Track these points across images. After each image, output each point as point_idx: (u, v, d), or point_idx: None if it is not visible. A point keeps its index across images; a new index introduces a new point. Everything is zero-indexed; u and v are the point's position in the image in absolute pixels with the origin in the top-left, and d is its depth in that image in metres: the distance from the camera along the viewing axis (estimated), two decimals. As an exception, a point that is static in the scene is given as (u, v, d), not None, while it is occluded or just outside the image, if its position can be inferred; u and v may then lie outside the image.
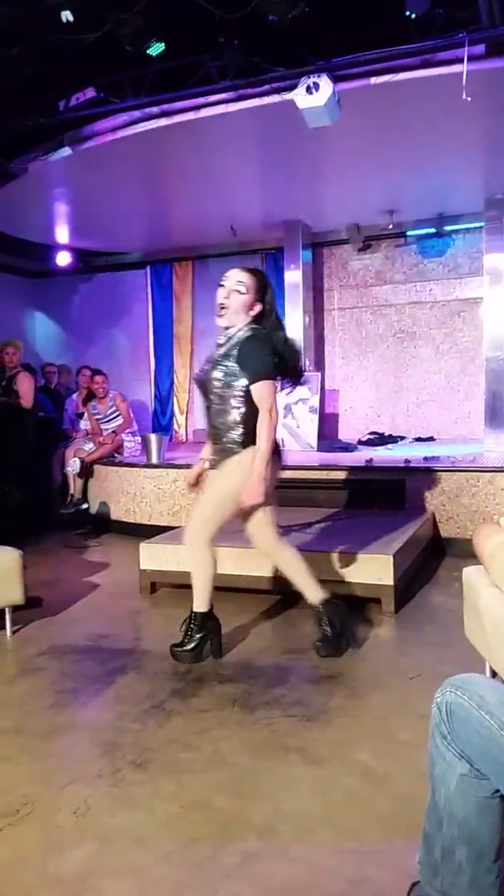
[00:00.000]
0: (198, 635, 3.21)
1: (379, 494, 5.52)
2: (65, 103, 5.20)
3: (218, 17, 4.43)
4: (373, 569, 3.90)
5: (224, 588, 4.26)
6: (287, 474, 5.96)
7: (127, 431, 7.13)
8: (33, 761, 2.42)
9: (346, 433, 8.45)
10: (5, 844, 1.95)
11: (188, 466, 6.19)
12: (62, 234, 8.73)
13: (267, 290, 3.16)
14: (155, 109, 5.20)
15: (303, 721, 2.64)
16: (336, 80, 4.70)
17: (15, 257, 9.41)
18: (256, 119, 5.22)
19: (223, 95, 5.03)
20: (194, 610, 3.22)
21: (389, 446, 7.44)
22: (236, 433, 3.11)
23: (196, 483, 3.42)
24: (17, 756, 2.46)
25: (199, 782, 2.24)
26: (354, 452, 7.06)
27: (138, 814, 2.09)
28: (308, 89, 4.67)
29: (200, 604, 3.21)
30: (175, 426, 9.47)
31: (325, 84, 4.66)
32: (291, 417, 7.73)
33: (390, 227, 7.94)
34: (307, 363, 8.27)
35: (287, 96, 4.81)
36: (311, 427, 7.61)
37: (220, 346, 3.15)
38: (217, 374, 3.10)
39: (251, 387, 3.04)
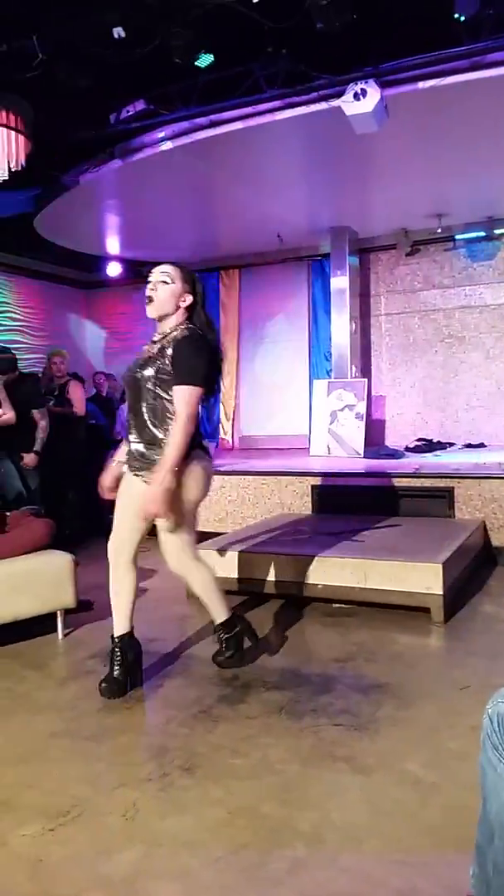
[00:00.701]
0: (233, 641, 3.22)
1: (427, 502, 5.45)
2: (115, 116, 5.32)
3: (265, 27, 4.47)
4: (421, 577, 3.85)
5: (272, 595, 4.29)
6: (334, 481, 5.95)
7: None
8: (83, 763, 2.46)
9: (393, 440, 8.37)
10: (57, 844, 1.99)
11: (234, 473, 6.26)
12: (112, 244, 8.89)
13: (196, 283, 3.05)
14: (203, 120, 5.27)
15: (350, 730, 2.62)
16: (383, 85, 4.69)
17: (67, 268, 9.61)
18: (304, 126, 5.24)
19: (271, 104, 5.07)
20: (217, 621, 3.21)
21: (438, 453, 7.34)
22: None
23: (114, 487, 3.07)
24: (67, 758, 2.50)
25: (246, 788, 2.25)
26: (402, 459, 6.98)
27: (186, 818, 2.10)
28: (356, 96, 4.68)
29: (220, 613, 3.19)
30: (221, 433, 9.53)
31: (373, 90, 4.66)
32: (338, 424, 7.71)
33: (439, 231, 7.85)
34: (353, 369, 8.23)
35: (334, 103, 4.82)
36: (358, 433, 7.57)
37: (154, 342, 3.00)
38: (150, 371, 2.90)
39: (175, 388, 2.85)
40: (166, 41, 4.52)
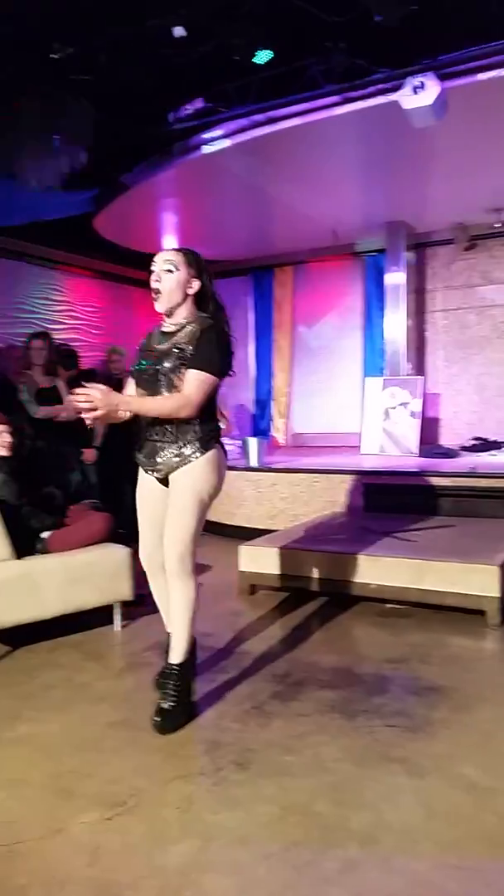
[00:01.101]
0: (181, 693, 2.74)
1: (483, 502, 5.36)
2: (174, 114, 5.37)
3: (323, 21, 4.45)
4: (477, 579, 3.79)
5: (321, 593, 4.29)
6: (387, 480, 5.90)
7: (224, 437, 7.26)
8: (140, 755, 2.50)
9: (448, 439, 8.23)
10: (115, 832, 2.04)
11: (286, 471, 6.27)
12: (170, 243, 8.97)
13: (202, 267, 2.81)
14: (261, 117, 5.27)
15: (404, 731, 2.60)
16: (442, 77, 4.62)
17: (126, 267, 9.73)
18: (361, 121, 5.19)
19: (329, 99, 5.04)
20: (172, 661, 2.77)
21: (494, 452, 7.19)
22: (192, 431, 2.75)
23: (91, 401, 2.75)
24: (124, 748, 2.55)
25: (299, 786, 2.26)
26: (457, 458, 6.88)
27: (239, 813, 2.12)
28: (414, 89, 4.62)
29: (181, 652, 2.77)
30: (273, 430, 9.54)
31: (432, 83, 4.59)
32: (390, 422, 7.63)
33: (497, 225, 7.69)
34: (408, 366, 8.14)
35: (393, 97, 4.76)
36: (412, 432, 7.48)
37: (169, 334, 2.80)
38: (170, 364, 2.71)
39: (190, 371, 2.66)
40: (225, 39, 4.54)
